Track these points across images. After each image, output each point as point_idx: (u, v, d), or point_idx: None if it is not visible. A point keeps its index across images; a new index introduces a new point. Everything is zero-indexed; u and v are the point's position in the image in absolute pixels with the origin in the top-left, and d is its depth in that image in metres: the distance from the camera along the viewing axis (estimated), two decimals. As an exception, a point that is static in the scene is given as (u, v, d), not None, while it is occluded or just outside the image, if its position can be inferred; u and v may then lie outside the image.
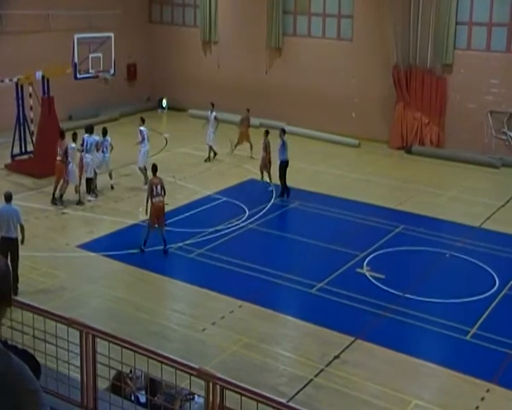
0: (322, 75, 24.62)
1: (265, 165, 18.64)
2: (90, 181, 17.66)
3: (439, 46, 22.50)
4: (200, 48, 27.89)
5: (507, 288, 13.41)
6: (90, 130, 17.99)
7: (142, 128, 18.87)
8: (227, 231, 15.79)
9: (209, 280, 13.47)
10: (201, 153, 21.57)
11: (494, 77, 21.52)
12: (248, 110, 21.73)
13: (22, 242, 12.41)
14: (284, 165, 18.06)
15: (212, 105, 21.56)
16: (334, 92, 24.42)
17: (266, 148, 18.51)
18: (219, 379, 5.64)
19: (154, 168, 14.88)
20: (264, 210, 17.30)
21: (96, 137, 17.86)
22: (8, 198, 12.50)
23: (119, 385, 6.70)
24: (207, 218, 16.64)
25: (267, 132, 18.76)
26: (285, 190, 18.03)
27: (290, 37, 25.69)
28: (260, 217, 16.83)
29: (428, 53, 22.81)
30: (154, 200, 14.31)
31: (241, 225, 16.30)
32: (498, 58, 21.70)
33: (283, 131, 18.68)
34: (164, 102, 28.55)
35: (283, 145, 18.15)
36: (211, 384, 5.50)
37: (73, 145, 17.36)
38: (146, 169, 17.92)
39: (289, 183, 19.04)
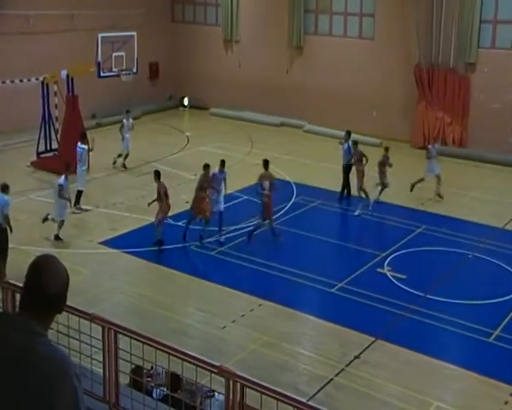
0: (344, 74, 24.49)
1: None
2: (80, 193, 16.66)
3: (463, 45, 22.24)
4: (221, 47, 27.92)
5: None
6: (82, 137, 17.11)
7: (81, 146, 16.96)
8: (247, 229, 15.78)
9: (230, 278, 13.49)
10: (223, 151, 21.60)
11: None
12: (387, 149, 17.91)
13: (10, 230, 12.76)
14: (348, 169, 17.89)
15: (128, 112, 20.40)
16: (356, 91, 24.28)
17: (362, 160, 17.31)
18: (240, 377, 5.62)
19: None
20: (285, 209, 17.26)
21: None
22: (3, 188, 12.83)
23: (138, 380, 6.73)
24: (228, 216, 16.61)
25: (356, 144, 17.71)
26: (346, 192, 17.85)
27: (311, 35, 25.60)
28: (281, 216, 16.78)
29: (451, 52, 22.57)
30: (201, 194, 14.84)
31: (261, 223, 16.25)
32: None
33: (348, 134, 18.28)
34: (185, 101, 28.66)
35: (349, 149, 17.84)
36: (231, 382, 5.48)
37: (83, 146, 16.77)
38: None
39: (310, 182, 19.01)
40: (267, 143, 23.18)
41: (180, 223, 15.63)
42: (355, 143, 17.65)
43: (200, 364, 5.55)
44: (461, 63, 22.45)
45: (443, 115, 22.74)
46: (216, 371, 5.49)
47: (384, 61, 23.60)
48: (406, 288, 13.07)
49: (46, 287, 2.82)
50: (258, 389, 5.45)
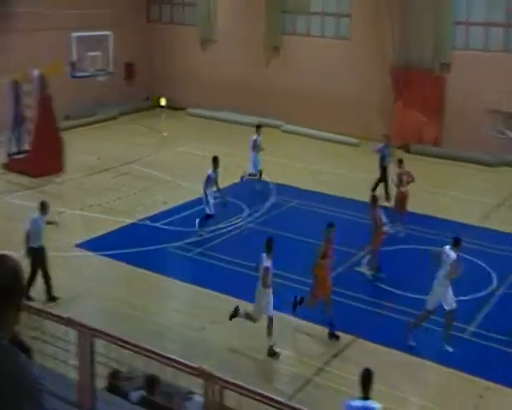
0: (321, 74, 24.57)
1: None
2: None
3: (438, 46, 22.45)
4: (198, 47, 27.84)
5: (504, 286, 13.41)
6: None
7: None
8: (227, 230, 15.74)
9: (208, 279, 13.42)
10: (199, 152, 21.52)
11: (492, 76, 21.46)
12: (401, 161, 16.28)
13: None
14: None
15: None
16: (333, 91, 24.37)
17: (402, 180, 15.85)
18: (218, 379, 5.60)
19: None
20: (264, 209, 17.24)
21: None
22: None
23: (115, 384, 6.65)
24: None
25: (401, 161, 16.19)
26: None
27: (289, 36, 25.65)
28: (260, 216, 16.77)
29: (427, 53, 22.78)
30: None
31: (241, 223, 16.25)
32: (496, 57, 21.66)
33: (388, 138, 17.92)
34: (162, 101, 28.48)
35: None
36: (210, 384, 5.45)
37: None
38: None
39: (289, 182, 19.01)
40: (245, 143, 23.13)
41: (158, 224, 15.54)
42: (400, 160, 16.16)
43: (179, 366, 5.51)
44: (436, 64, 22.65)
45: (419, 115, 22.94)
46: (195, 373, 5.45)
47: (361, 61, 23.72)
48: (384, 286, 13.13)
49: None
50: (238, 390, 5.43)
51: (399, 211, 15.75)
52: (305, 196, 18.17)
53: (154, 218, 15.84)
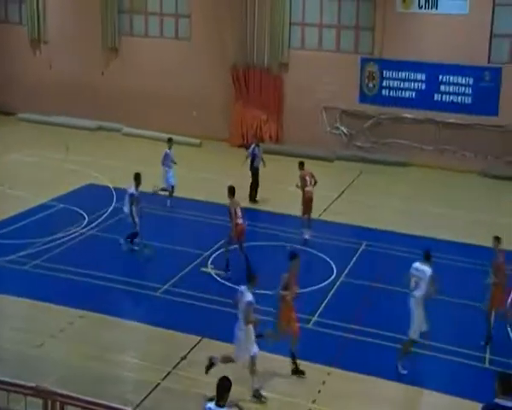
0: (162, 75, 24.52)
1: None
2: None
3: (275, 46, 23.34)
4: (28, 47, 26.55)
5: (343, 275, 14.25)
6: None
7: None
8: (65, 239, 15.18)
9: (46, 292, 12.83)
10: (34, 159, 20.57)
11: (326, 75, 22.71)
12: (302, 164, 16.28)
13: None
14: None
15: None
16: (175, 92, 24.41)
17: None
18: (59, 395, 5.40)
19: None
20: (105, 215, 16.85)
21: None
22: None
23: None
24: (43, 227, 15.88)
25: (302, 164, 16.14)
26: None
27: (127, 36, 25.29)
28: (100, 222, 16.37)
29: (265, 52, 23.59)
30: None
31: (81, 231, 15.76)
32: (329, 57, 22.95)
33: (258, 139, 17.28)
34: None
35: None
36: (49, 402, 5.23)
37: None
38: None
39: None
40: (83, 147, 22.51)
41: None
42: (301, 163, 16.05)
43: (12, 388, 5.24)
44: (274, 63, 23.52)
45: (259, 113, 23.68)
46: (31, 392, 5.21)
47: (202, 61, 23.99)
48: (230, 285, 13.37)
49: None
50: (80, 404, 5.27)
51: (307, 212, 15.82)
52: (148, 198, 17.97)
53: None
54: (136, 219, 14.53)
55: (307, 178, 15.83)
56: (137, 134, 24.32)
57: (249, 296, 9.71)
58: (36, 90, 26.05)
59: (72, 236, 15.47)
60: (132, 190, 14.57)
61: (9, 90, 26.43)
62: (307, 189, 15.73)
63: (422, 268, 10.48)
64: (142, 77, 24.80)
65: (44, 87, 25.92)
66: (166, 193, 17.63)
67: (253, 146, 18.47)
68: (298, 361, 10.59)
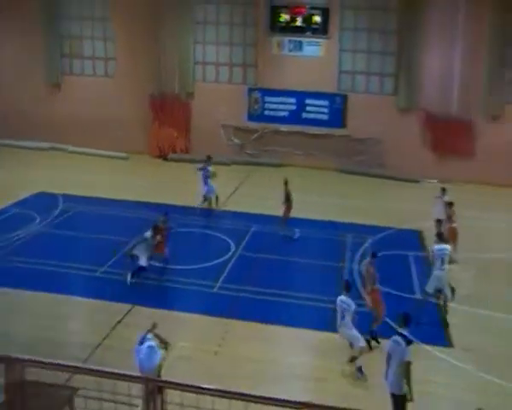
0: (96, 104, 23.82)
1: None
2: None
3: (183, 79, 23.29)
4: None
5: (239, 250, 14.58)
6: None
7: None
8: (22, 235, 14.51)
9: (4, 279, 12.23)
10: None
11: (222, 101, 22.98)
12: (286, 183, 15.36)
13: None
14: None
15: None
16: (105, 117, 23.79)
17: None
18: (18, 360, 5.22)
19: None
20: (53, 215, 16.19)
21: None
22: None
23: None
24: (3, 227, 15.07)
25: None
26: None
27: (69, 76, 24.31)
28: (50, 221, 15.73)
29: (176, 84, 23.48)
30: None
31: (35, 229, 15.09)
32: (224, 88, 23.17)
33: (443, 190, 14.37)
34: None
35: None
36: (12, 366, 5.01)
37: None
38: None
39: (74, 192, 18.04)
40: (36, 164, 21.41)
41: None
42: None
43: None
44: (183, 93, 23.47)
45: (172, 131, 23.61)
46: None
47: (125, 92, 23.48)
48: (156, 263, 13.27)
49: None
50: (37, 365, 5.10)
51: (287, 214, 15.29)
52: (80, 201, 17.45)
53: None
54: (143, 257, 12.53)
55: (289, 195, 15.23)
56: (81, 151, 23.47)
57: (353, 304, 9.30)
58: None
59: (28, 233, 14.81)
60: (148, 234, 12.65)
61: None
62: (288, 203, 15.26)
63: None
64: (81, 106, 23.97)
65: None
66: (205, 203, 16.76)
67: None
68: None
